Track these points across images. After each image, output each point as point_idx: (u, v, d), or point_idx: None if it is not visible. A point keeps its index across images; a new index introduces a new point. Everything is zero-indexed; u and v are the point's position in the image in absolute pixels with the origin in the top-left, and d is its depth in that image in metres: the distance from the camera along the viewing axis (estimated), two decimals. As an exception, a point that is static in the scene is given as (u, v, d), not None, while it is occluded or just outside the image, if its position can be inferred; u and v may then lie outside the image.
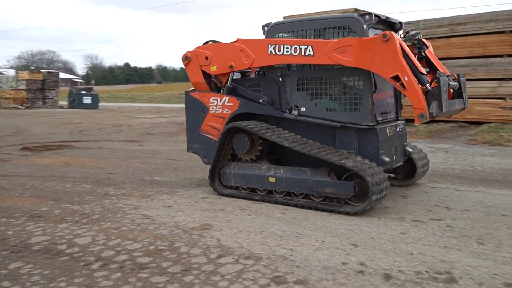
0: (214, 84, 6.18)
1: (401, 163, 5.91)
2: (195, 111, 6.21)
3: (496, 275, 3.33)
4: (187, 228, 4.51)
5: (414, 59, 4.81)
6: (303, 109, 5.51)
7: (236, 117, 5.86)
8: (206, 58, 5.97)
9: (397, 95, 5.92)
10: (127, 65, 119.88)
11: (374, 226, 4.50)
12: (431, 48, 5.53)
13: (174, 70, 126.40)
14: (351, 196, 4.90)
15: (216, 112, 5.99)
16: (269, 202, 5.43)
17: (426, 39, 5.69)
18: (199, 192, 6.07)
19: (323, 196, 5.13)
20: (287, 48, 5.26)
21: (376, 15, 5.17)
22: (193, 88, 6.37)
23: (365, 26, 5.01)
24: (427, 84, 4.78)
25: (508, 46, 12.25)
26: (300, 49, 5.17)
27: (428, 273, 3.37)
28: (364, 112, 5.13)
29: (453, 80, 5.30)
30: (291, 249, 3.89)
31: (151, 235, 4.31)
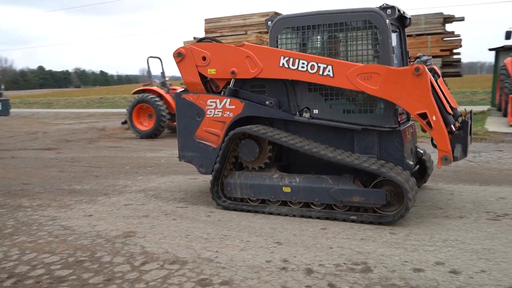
0: (209, 85, 5.62)
1: (417, 165, 5.67)
2: (189, 115, 5.54)
3: (406, 262, 3.60)
4: (109, 236, 4.39)
5: (442, 97, 4.64)
6: (315, 111, 5.05)
7: (237, 121, 5.33)
8: (204, 58, 5.39)
9: None
10: (41, 68, 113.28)
11: (296, 224, 4.66)
12: (441, 78, 5.20)
13: (93, 73, 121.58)
14: (381, 205, 4.57)
15: (215, 116, 5.40)
16: (286, 215, 4.95)
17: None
18: (122, 199, 5.91)
19: (347, 206, 4.77)
20: (303, 63, 4.84)
21: (398, 10, 4.74)
22: (182, 89, 5.85)
23: (387, 21, 4.62)
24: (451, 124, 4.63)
25: (414, 49, 13.28)
26: (318, 67, 4.77)
27: (346, 265, 3.57)
28: (386, 113, 4.78)
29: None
30: (217, 251, 3.92)
31: (71, 246, 4.14)
